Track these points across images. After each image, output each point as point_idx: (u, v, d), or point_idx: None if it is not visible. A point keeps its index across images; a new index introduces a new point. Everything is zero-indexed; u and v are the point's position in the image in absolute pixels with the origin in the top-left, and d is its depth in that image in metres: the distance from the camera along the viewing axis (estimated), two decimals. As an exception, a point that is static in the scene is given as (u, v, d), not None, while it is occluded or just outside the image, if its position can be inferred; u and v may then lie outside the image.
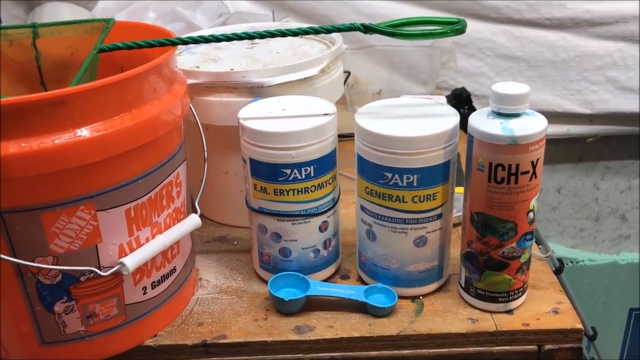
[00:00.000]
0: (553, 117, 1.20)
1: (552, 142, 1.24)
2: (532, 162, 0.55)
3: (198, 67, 0.75)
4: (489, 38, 1.14)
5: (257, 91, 0.70)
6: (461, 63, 1.15)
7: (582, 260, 1.35)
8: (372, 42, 1.09)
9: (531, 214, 0.57)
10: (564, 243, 1.37)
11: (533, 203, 0.57)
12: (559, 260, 1.18)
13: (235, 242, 0.76)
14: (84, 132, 0.49)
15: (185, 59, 0.79)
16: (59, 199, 0.50)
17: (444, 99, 0.97)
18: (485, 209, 0.57)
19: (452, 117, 0.59)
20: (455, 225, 0.71)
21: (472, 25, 1.13)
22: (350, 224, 0.71)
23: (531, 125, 0.55)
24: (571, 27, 1.13)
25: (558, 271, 1.18)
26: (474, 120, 0.56)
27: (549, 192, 1.31)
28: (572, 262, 1.35)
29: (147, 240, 0.57)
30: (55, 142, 0.48)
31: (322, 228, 0.65)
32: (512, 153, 0.54)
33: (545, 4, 1.11)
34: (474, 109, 1.05)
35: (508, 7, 1.11)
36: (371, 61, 1.10)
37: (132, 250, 0.56)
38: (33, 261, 0.51)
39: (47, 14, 0.95)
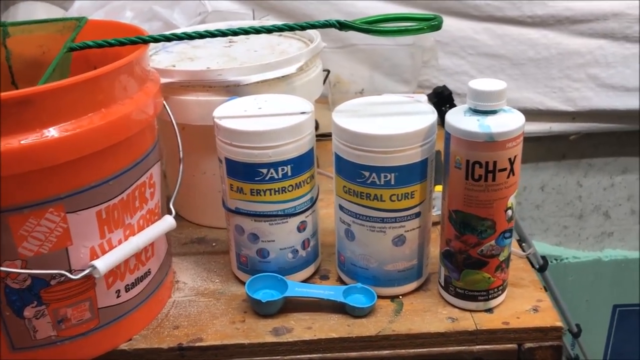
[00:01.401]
0: (536, 114, 1.20)
1: (535, 140, 1.24)
2: (510, 159, 0.54)
3: (174, 66, 0.74)
4: (471, 36, 1.13)
5: (233, 90, 0.69)
6: (443, 61, 1.15)
7: (566, 258, 1.36)
8: (354, 41, 1.08)
9: (509, 212, 0.57)
10: (548, 241, 1.37)
11: (511, 200, 0.56)
12: (543, 257, 1.18)
13: (214, 244, 0.75)
14: (52, 132, 0.48)
15: (162, 58, 0.77)
16: (27, 201, 0.49)
17: (424, 97, 0.97)
18: (464, 207, 0.56)
19: (429, 115, 0.59)
20: (435, 223, 0.70)
21: (454, 24, 1.13)
22: (331, 223, 0.70)
23: (508, 122, 0.54)
24: (553, 25, 1.13)
25: (542, 269, 1.18)
26: (451, 117, 0.56)
27: (532, 190, 1.31)
28: (556, 259, 1.35)
29: (120, 242, 0.56)
30: (22, 142, 0.47)
31: (301, 228, 0.64)
32: (489, 150, 0.54)
33: (527, 2, 1.11)
34: (455, 107, 1.05)
35: (490, 5, 1.11)
36: (353, 60, 1.09)
37: (104, 252, 0.54)
38: (0, 265, 0.50)
39: (22, 13, 0.93)
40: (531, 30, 1.13)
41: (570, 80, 1.17)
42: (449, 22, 1.12)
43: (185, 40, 0.72)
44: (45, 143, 0.47)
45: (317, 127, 0.97)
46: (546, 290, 1.16)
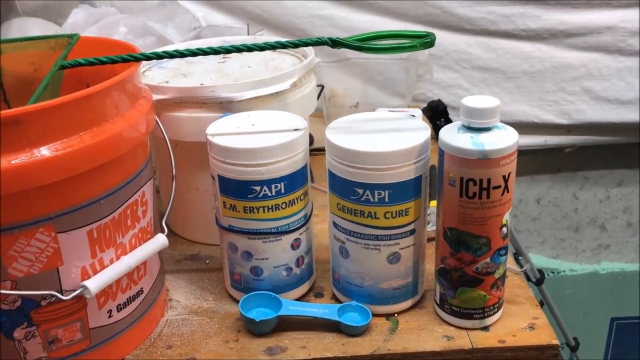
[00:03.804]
0: (531, 127, 1.20)
1: (531, 153, 1.24)
2: (504, 177, 0.54)
3: (167, 82, 0.73)
4: (464, 50, 1.14)
5: (227, 106, 0.68)
6: (437, 75, 1.15)
7: (563, 271, 1.35)
8: (348, 55, 1.08)
9: (504, 229, 0.56)
10: (544, 254, 1.36)
11: (506, 218, 0.56)
12: (540, 271, 1.17)
13: (207, 261, 0.74)
14: (42, 152, 0.47)
15: (155, 74, 0.77)
16: (17, 221, 0.49)
17: (419, 112, 0.97)
18: (458, 224, 0.56)
19: (422, 132, 0.59)
20: (430, 239, 0.70)
21: (447, 37, 1.13)
22: (326, 239, 0.70)
23: (502, 140, 0.54)
24: (547, 38, 1.13)
25: (539, 282, 1.17)
26: (445, 134, 0.55)
27: (528, 203, 1.31)
28: (553, 272, 1.35)
29: (112, 262, 0.55)
30: (12, 162, 0.46)
31: (294, 246, 0.63)
32: (483, 168, 0.53)
33: (520, 15, 1.11)
34: (450, 121, 1.05)
35: (483, 19, 1.11)
36: (348, 74, 1.09)
37: (95, 272, 0.54)
38: (-10, 286, 0.50)
39: (16, 29, 0.93)
40: (525, 43, 1.14)
41: (564, 94, 1.17)
42: (442, 36, 1.13)
43: (179, 57, 0.71)
44: (36, 163, 0.47)
45: (311, 142, 0.97)
46: (542, 305, 1.16)
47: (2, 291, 0.50)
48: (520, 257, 1.13)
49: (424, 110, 1.04)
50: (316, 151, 0.87)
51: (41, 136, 0.47)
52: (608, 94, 1.16)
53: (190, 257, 0.75)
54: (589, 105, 1.17)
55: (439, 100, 1.05)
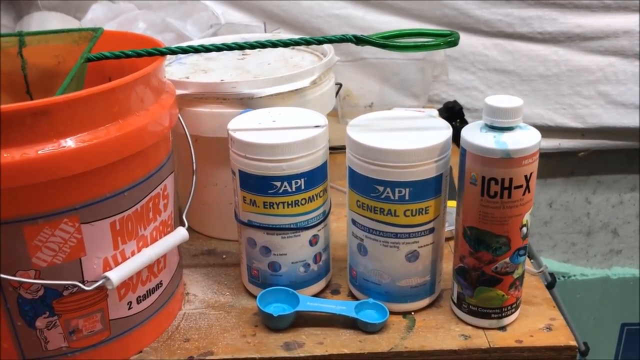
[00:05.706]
0: (545, 131, 1.19)
1: (544, 156, 1.22)
2: (526, 176, 0.54)
3: (188, 78, 0.74)
4: (481, 52, 1.14)
5: (247, 102, 0.69)
6: (453, 76, 1.15)
7: (574, 275, 1.35)
8: (364, 55, 1.08)
9: (524, 229, 0.56)
10: (555, 257, 1.36)
11: (526, 218, 0.56)
12: (551, 274, 1.17)
13: (224, 256, 0.74)
14: (69, 143, 0.48)
15: (175, 70, 0.78)
16: (42, 211, 0.49)
17: (436, 112, 0.97)
18: (478, 223, 0.56)
19: (444, 130, 0.59)
20: (447, 239, 0.70)
21: (464, 39, 1.13)
22: (342, 237, 0.70)
23: (525, 139, 0.54)
24: (563, 42, 1.13)
25: (550, 286, 1.17)
26: (467, 133, 0.55)
27: (540, 206, 1.31)
28: (564, 276, 1.34)
29: (133, 253, 0.55)
30: (39, 152, 0.47)
31: (313, 242, 0.63)
32: (505, 167, 0.53)
33: (537, 18, 1.11)
34: (466, 123, 1.05)
35: (500, 21, 1.11)
36: (363, 74, 1.10)
37: (117, 264, 0.54)
38: (14, 275, 0.50)
39: (36, 23, 0.94)
40: (541, 46, 1.14)
41: (580, 97, 1.17)
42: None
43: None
44: (62, 153, 0.47)
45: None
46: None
47: (26, 280, 0.50)
48: (532, 260, 1.13)
49: (440, 111, 1.04)
50: (330, 150, 0.87)
51: (68, 127, 0.48)
52: (624, 98, 1.15)
53: (206, 252, 0.75)
54: (604, 109, 1.17)
55: (455, 101, 1.05)
